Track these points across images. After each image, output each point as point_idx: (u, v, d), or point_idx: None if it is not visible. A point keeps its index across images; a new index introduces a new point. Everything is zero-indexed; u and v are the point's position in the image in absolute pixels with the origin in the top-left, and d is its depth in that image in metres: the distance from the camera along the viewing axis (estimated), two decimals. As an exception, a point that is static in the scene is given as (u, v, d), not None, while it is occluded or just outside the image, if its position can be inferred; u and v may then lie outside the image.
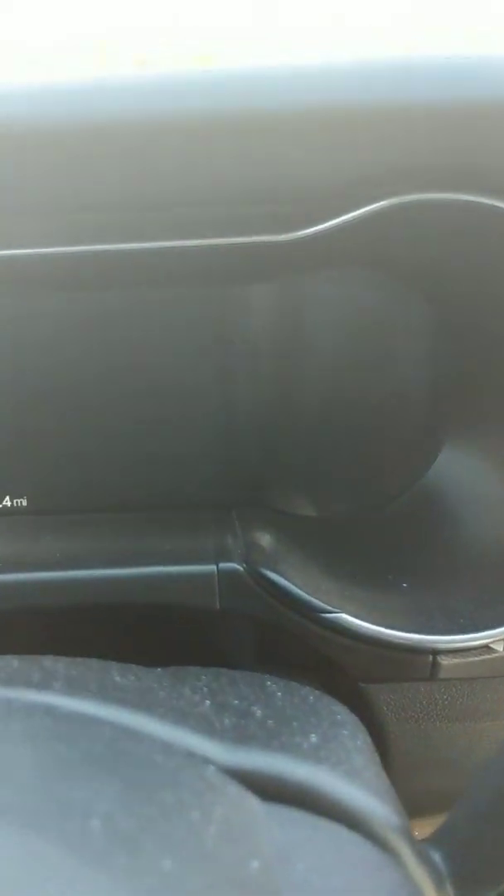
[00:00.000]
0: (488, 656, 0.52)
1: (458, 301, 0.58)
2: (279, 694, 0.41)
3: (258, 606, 0.54)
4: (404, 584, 0.56)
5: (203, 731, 0.35)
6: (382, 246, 0.54)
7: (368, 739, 0.40)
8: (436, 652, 0.51)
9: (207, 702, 0.39)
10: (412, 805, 0.38)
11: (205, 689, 0.41)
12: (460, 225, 0.52)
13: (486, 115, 0.48)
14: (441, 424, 0.61)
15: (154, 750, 0.32)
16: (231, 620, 0.55)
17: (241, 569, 0.54)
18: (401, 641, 0.51)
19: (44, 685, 0.36)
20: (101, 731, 0.32)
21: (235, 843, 0.28)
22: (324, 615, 0.52)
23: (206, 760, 0.33)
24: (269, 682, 0.43)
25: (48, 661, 0.40)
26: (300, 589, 0.52)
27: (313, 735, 0.37)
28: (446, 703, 0.54)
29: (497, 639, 0.52)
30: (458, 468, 0.61)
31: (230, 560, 0.54)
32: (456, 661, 0.52)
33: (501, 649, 0.52)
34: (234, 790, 0.32)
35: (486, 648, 0.52)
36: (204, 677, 0.43)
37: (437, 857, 0.35)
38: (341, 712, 0.41)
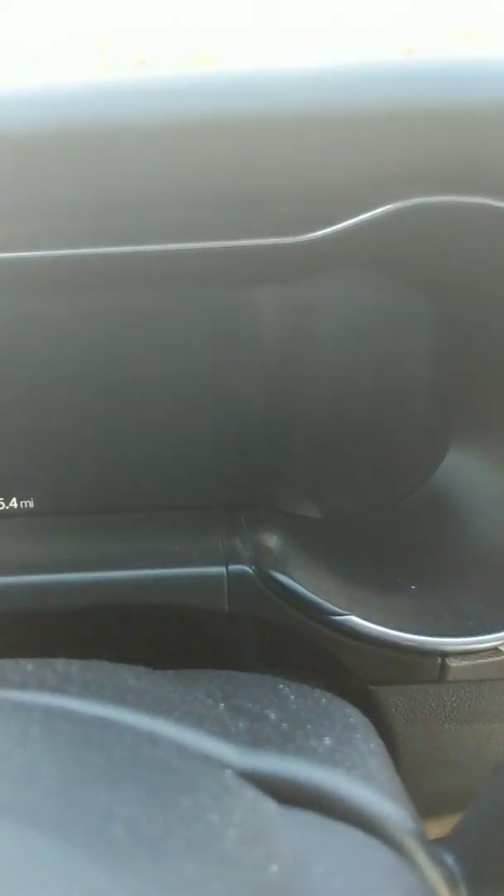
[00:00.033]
0: (497, 658, 0.52)
1: (466, 303, 0.58)
2: (292, 697, 0.41)
3: (267, 608, 0.54)
4: (412, 586, 0.56)
5: (218, 734, 0.35)
6: (391, 248, 0.55)
7: (381, 742, 0.40)
8: (444, 654, 0.52)
9: (221, 705, 0.39)
10: (420, 806, 0.38)
11: (217, 691, 0.41)
12: (469, 227, 0.52)
13: (493, 116, 0.48)
14: (448, 425, 0.61)
15: (172, 754, 0.32)
16: (239, 622, 0.55)
17: (251, 571, 0.54)
18: (409, 644, 0.51)
19: (59, 688, 0.36)
20: (120, 736, 0.32)
21: (254, 847, 0.28)
22: (333, 617, 0.52)
23: (223, 764, 0.33)
24: (281, 685, 0.43)
25: (61, 664, 0.40)
26: (309, 591, 0.53)
27: (327, 738, 0.37)
28: (454, 704, 0.54)
29: (506, 641, 0.52)
30: (465, 469, 0.61)
31: (239, 562, 0.54)
32: (464, 663, 0.52)
33: None
34: (251, 794, 0.32)
35: (495, 650, 0.52)
36: (216, 680, 0.43)
37: (450, 859, 0.35)
38: (353, 715, 0.41)
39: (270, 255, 0.53)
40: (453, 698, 0.54)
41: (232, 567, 0.54)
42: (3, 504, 0.62)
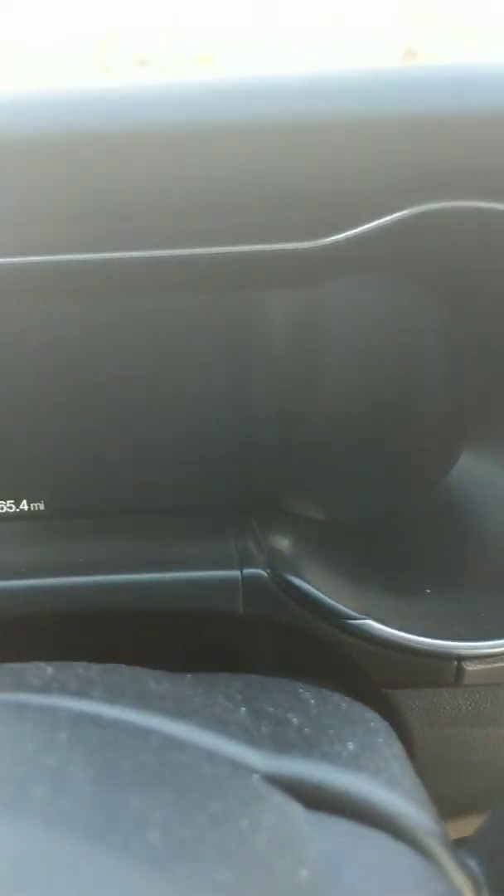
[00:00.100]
0: None
1: (479, 306, 0.58)
2: (312, 701, 0.42)
3: (282, 612, 0.54)
4: (427, 590, 0.56)
5: (242, 739, 0.35)
6: (406, 253, 0.55)
7: (401, 746, 0.41)
8: (460, 658, 0.52)
9: (242, 709, 0.39)
10: (437, 809, 0.38)
11: (238, 696, 0.41)
12: (486, 232, 0.53)
13: None
14: (461, 428, 0.61)
15: (199, 759, 0.32)
16: (254, 626, 0.55)
17: (265, 574, 0.54)
18: (425, 647, 0.51)
19: (82, 693, 0.36)
20: (148, 741, 0.32)
21: (285, 852, 0.28)
22: (349, 621, 0.52)
23: (249, 769, 0.33)
24: (300, 689, 0.43)
25: (81, 668, 0.40)
26: (325, 595, 0.53)
27: (350, 743, 0.37)
28: (470, 708, 0.54)
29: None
30: (478, 472, 0.61)
31: (254, 565, 0.54)
32: (480, 666, 0.52)
33: None
34: (279, 799, 0.32)
35: None
36: (236, 684, 0.43)
37: (473, 863, 0.35)
38: (374, 719, 0.41)
39: (286, 260, 0.53)
40: (468, 702, 0.54)
41: (246, 570, 0.54)
42: (13, 507, 0.62)
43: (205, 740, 0.34)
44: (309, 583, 0.53)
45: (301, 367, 0.60)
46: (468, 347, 0.59)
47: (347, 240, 0.52)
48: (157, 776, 0.30)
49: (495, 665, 0.52)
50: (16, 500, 0.62)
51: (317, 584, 0.53)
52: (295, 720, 0.39)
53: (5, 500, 0.62)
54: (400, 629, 0.52)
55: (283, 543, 0.58)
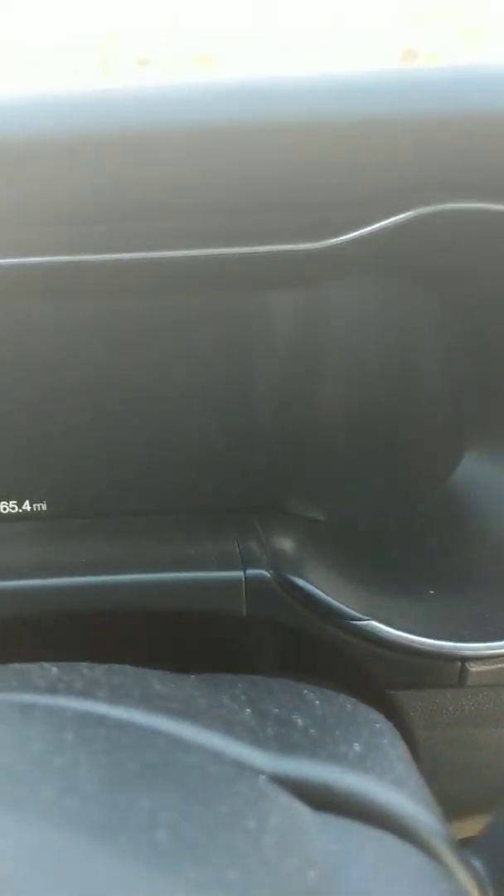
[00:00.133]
0: None
1: (482, 308, 0.58)
2: (317, 702, 0.42)
3: (285, 613, 0.54)
4: (431, 591, 0.56)
5: (248, 740, 0.35)
6: (411, 254, 0.55)
7: (405, 747, 0.41)
8: (464, 659, 0.52)
9: (247, 710, 0.39)
10: (441, 810, 0.39)
11: (243, 696, 0.41)
12: (489, 234, 0.53)
13: None
14: (463, 429, 0.61)
15: (206, 760, 0.32)
16: (257, 626, 0.55)
17: (268, 575, 0.54)
18: (429, 648, 0.51)
19: (87, 693, 0.36)
20: (153, 741, 0.32)
21: (292, 853, 0.28)
22: (353, 622, 0.52)
23: (255, 770, 0.33)
24: (305, 690, 0.43)
25: (86, 669, 0.40)
26: (329, 596, 0.53)
27: (356, 744, 0.37)
28: (473, 709, 0.55)
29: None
30: (481, 473, 0.61)
31: (257, 566, 0.54)
32: (484, 667, 0.52)
33: None
34: (286, 799, 0.32)
35: None
36: (240, 685, 0.43)
37: (477, 863, 0.35)
38: (379, 721, 0.42)
39: (290, 261, 0.53)
40: (472, 703, 0.54)
41: (250, 571, 0.54)
42: (15, 507, 0.62)
43: (211, 741, 0.34)
44: (312, 584, 0.53)
45: (304, 368, 0.60)
46: (471, 349, 0.60)
47: (351, 241, 0.53)
48: (163, 776, 0.30)
49: (499, 666, 0.52)
50: (18, 501, 0.62)
51: (320, 585, 0.53)
52: (300, 721, 0.39)
53: (8, 501, 0.62)
54: (403, 630, 0.52)
55: (285, 544, 0.58)
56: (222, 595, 0.54)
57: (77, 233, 0.52)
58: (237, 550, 0.56)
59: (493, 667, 0.52)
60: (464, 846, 0.36)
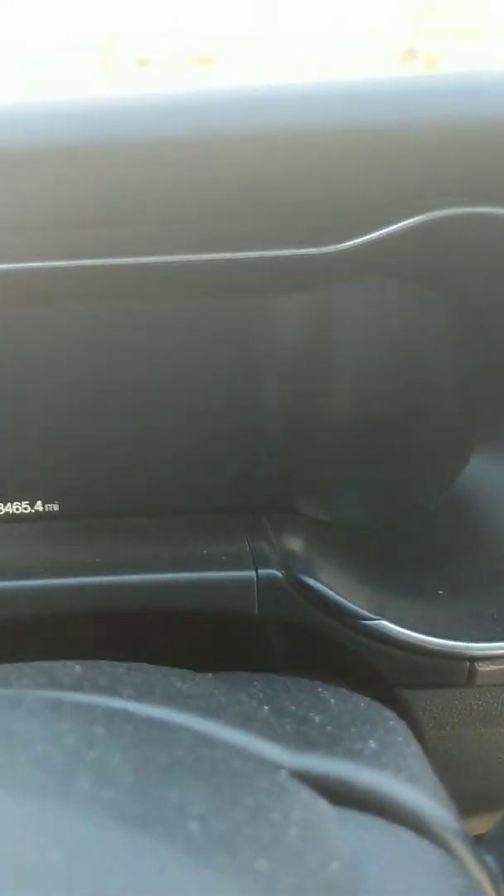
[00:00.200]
0: None
1: (491, 312, 0.59)
2: (332, 700, 0.42)
3: (296, 612, 0.54)
4: (440, 592, 0.57)
5: (268, 736, 0.36)
6: (420, 259, 0.56)
7: (419, 745, 0.41)
8: (473, 658, 0.52)
9: (265, 707, 0.40)
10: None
11: (259, 694, 0.42)
12: (497, 238, 0.53)
13: None
14: (472, 430, 0.62)
15: (229, 755, 0.33)
16: (268, 626, 0.56)
17: (280, 575, 0.54)
18: (439, 648, 0.52)
19: (112, 690, 0.37)
20: (180, 737, 0.33)
21: (315, 846, 0.29)
22: (364, 622, 0.53)
23: (276, 765, 0.34)
24: (319, 689, 0.44)
25: (108, 667, 0.41)
26: (339, 596, 0.53)
27: (371, 741, 0.38)
28: (482, 708, 0.55)
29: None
30: (489, 474, 0.62)
31: (268, 566, 0.55)
32: (493, 667, 0.53)
33: None
34: (306, 794, 0.33)
35: None
36: (256, 683, 0.44)
37: (490, 859, 0.36)
38: (392, 718, 0.42)
39: (298, 266, 0.54)
40: (480, 702, 0.55)
41: (261, 571, 0.54)
42: (28, 508, 0.63)
43: (233, 737, 0.35)
44: (323, 583, 0.54)
45: (313, 370, 0.61)
46: (479, 352, 0.60)
47: (360, 246, 0.53)
48: (191, 771, 0.31)
49: None
50: (30, 502, 0.63)
51: (331, 585, 0.54)
52: (317, 718, 0.39)
53: (20, 502, 0.63)
54: (413, 630, 0.53)
55: (295, 544, 0.58)
56: (234, 595, 0.55)
57: (93, 238, 0.52)
58: (248, 550, 0.57)
59: (501, 666, 0.53)
60: (478, 843, 0.37)
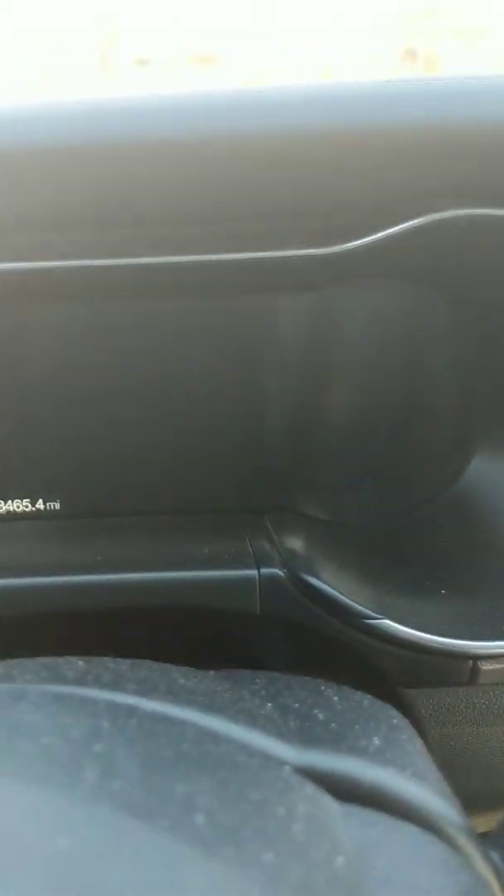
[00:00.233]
0: None
1: (493, 313, 0.59)
2: (335, 698, 0.42)
3: (298, 611, 0.54)
4: (442, 591, 0.57)
5: (272, 733, 0.36)
6: (422, 260, 0.56)
7: (422, 742, 0.41)
8: (476, 657, 0.52)
9: (269, 704, 0.40)
10: None
11: (263, 692, 0.42)
12: (499, 240, 0.54)
13: None
14: (474, 430, 0.62)
15: (234, 750, 0.33)
16: (270, 624, 0.56)
17: (282, 574, 0.54)
18: (441, 647, 0.52)
19: (116, 685, 0.37)
20: (184, 731, 0.33)
21: (321, 840, 0.29)
22: (366, 621, 0.53)
23: (281, 761, 0.34)
24: (322, 687, 0.44)
25: (111, 663, 0.41)
26: (342, 595, 0.53)
27: (375, 738, 0.38)
28: (484, 707, 0.55)
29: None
30: (492, 473, 0.62)
31: (271, 565, 0.55)
32: (495, 666, 0.53)
33: None
34: (311, 790, 0.33)
35: None
36: (259, 680, 0.44)
37: (495, 855, 0.36)
38: (396, 716, 0.42)
39: (301, 266, 0.54)
40: (483, 701, 0.55)
41: (263, 570, 0.54)
42: (29, 506, 0.63)
43: (237, 733, 0.35)
44: (325, 582, 0.54)
45: (315, 370, 0.61)
46: (481, 352, 0.60)
47: (362, 247, 0.53)
48: (197, 765, 0.31)
49: None
50: (31, 500, 0.63)
51: (333, 584, 0.54)
52: (320, 715, 0.40)
53: (21, 500, 0.63)
54: (416, 629, 0.53)
55: (297, 543, 0.58)
56: (236, 594, 0.55)
57: (99, 239, 0.53)
58: (250, 550, 0.57)
59: None
60: (480, 839, 0.37)
